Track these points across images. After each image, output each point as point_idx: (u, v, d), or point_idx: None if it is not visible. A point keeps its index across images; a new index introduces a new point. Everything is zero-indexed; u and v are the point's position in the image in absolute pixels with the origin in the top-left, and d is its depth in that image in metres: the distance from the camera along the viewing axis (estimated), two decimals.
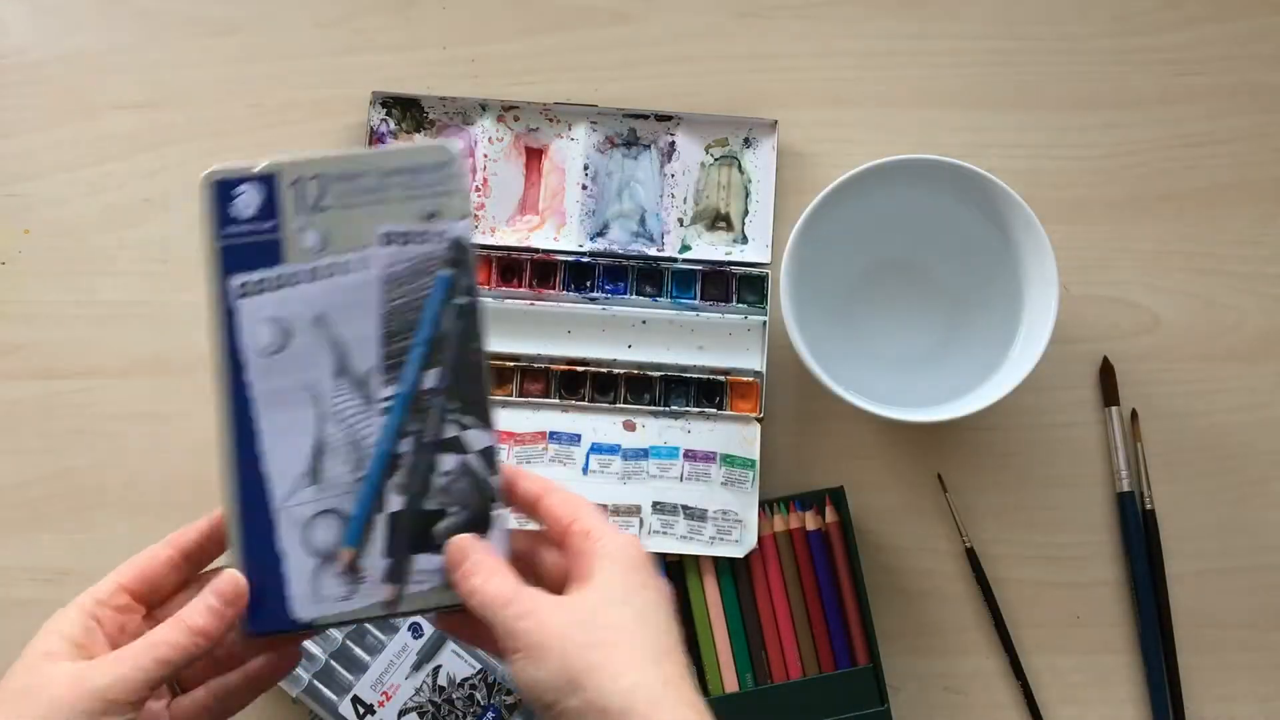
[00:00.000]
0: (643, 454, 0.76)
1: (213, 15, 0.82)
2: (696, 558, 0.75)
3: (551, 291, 0.78)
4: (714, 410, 0.77)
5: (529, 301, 0.78)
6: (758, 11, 0.83)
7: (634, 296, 0.78)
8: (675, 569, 0.75)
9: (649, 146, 0.80)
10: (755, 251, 0.79)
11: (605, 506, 0.75)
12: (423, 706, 0.74)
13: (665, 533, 0.75)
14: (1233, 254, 0.81)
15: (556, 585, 0.54)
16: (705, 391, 0.77)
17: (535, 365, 0.77)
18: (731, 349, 0.78)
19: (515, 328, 0.78)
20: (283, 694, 0.75)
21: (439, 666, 0.74)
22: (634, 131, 0.80)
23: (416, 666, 0.74)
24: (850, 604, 0.75)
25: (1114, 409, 0.79)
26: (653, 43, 0.82)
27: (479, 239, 0.78)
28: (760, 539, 0.75)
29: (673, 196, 0.79)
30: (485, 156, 0.79)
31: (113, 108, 0.81)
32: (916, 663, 0.77)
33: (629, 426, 0.77)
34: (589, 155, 0.79)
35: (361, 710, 0.73)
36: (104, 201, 0.80)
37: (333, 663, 0.74)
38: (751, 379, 0.77)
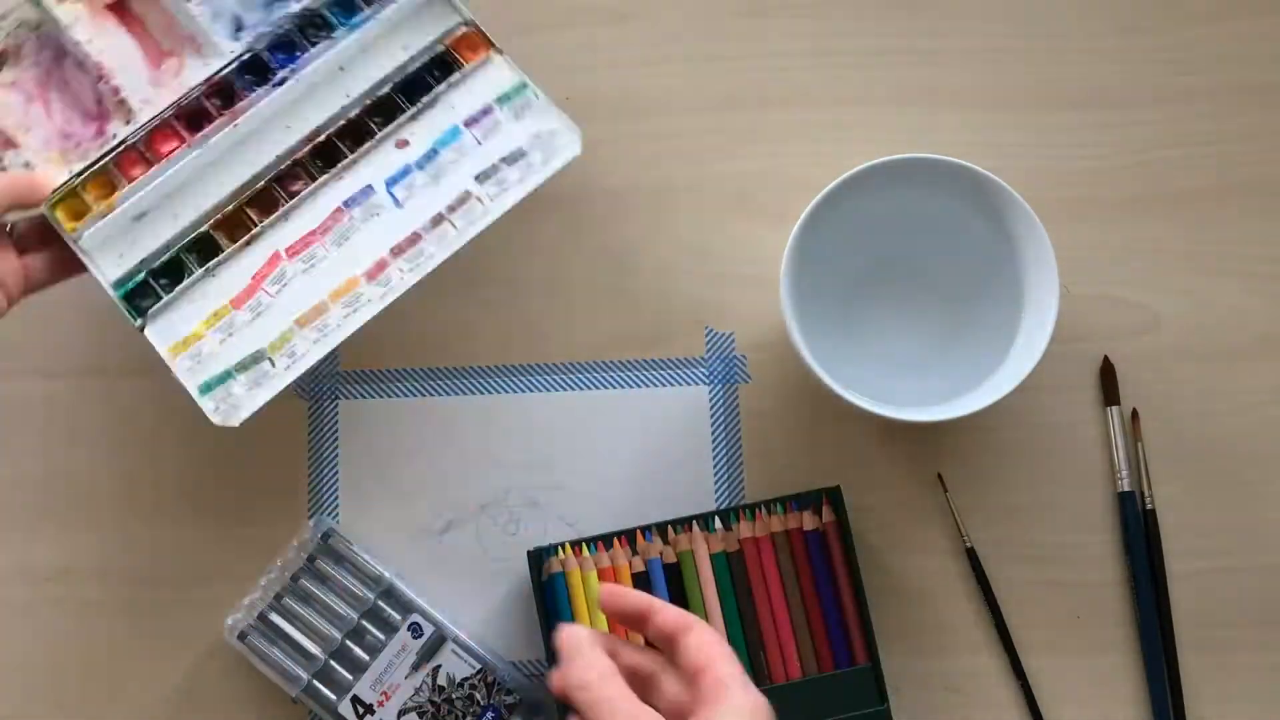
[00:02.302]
0: (432, 154, 0.75)
1: None
2: (694, 559, 0.75)
3: (243, 104, 0.74)
4: (457, 76, 0.75)
5: (230, 126, 0.74)
6: (758, 11, 0.83)
7: (312, 51, 0.75)
8: (672, 570, 0.75)
9: None
10: None
11: (441, 215, 0.74)
12: (422, 706, 0.74)
13: (505, 189, 0.74)
14: (1233, 254, 0.81)
15: (669, 714, 0.57)
16: (440, 69, 0.76)
17: (283, 169, 0.74)
18: (430, 25, 0.76)
19: (241, 155, 0.74)
20: (282, 694, 0.75)
21: (439, 666, 0.74)
22: None
23: (416, 666, 0.74)
24: (849, 604, 0.75)
25: (1114, 409, 0.79)
26: (652, 42, 0.82)
27: (141, 121, 0.73)
28: (758, 539, 0.75)
29: None
30: (80, 44, 0.74)
31: None
32: (916, 663, 0.77)
33: (401, 144, 0.75)
34: None
35: (361, 710, 0.74)
36: None
37: (332, 663, 0.74)
38: (465, 29, 0.76)
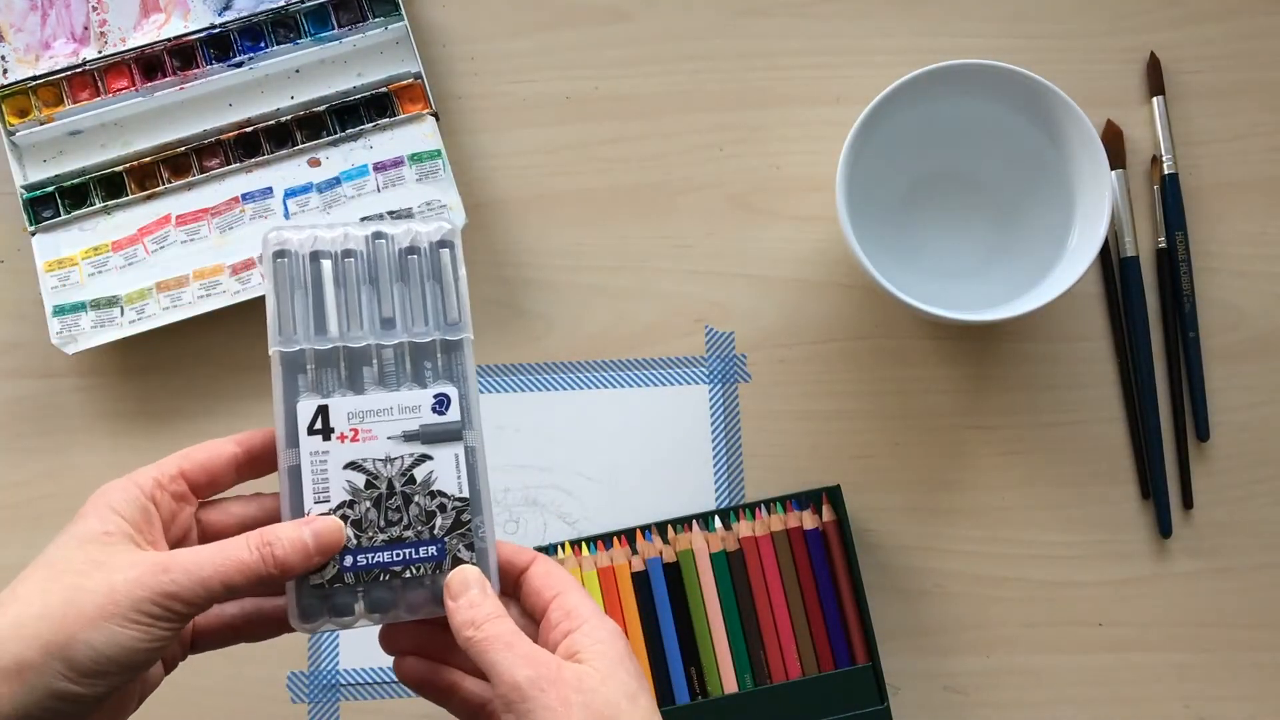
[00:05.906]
0: (335, 182, 0.79)
1: None
2: (694, 558, 0.75)
3: (197, 71, 0.79)
4: (387, 120, 0.79)
5: (178, 86, 0.79)
6: (758, 10, 0.83)
7: (276, 47, 0.80)
8: (672, 570, 0.75)
9: None
10: None
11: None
12: (375, 478, 0.56)
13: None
14: (1233, 254, 0.81)
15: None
16: (376, 108, 0.80)
17: (206, 141, 0.79)
18: (386, 64, 0.80)
19: (175, 115, 0.80)
20: (282, 694, 0.75)
21: (426, 458, 0.57)
22: None
23: (407, 438, 0.57)
24: (848, 603, 0.75)
25: None
26: (653, 41, 0.82)
27: (111, 50, 0.79)
28: (758, 539, 0.75)
29: None
30: None
31: None
32: (916, 662, 0.77)
33: (314, 163, 0.79)
34: None
35: (320, 426, 0.56)
36: None
37: (342, 361, 0.57)
38: (412, 80, 0.80)
